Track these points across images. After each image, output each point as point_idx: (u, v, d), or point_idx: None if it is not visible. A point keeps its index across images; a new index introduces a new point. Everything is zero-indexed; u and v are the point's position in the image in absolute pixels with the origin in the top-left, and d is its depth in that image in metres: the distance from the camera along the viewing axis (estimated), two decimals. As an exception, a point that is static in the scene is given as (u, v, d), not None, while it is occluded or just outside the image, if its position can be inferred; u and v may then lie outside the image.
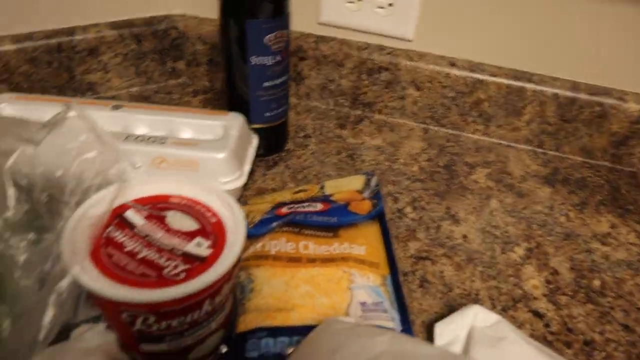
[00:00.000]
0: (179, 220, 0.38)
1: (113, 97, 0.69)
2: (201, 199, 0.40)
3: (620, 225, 0.58)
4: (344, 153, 0.63)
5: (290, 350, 0.37)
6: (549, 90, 0.65)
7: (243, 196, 0.54)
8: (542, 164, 0.67)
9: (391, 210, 0.56)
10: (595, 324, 0.47)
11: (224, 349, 0.39)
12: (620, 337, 0.46)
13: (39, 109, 0.53)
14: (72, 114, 0.39)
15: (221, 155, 0.50)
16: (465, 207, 0.58)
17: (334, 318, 0.38)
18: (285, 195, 0.53)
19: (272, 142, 0.61)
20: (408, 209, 0.56)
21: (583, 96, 0.65)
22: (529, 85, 0.65)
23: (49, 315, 0.34)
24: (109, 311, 0.34)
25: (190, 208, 0.39)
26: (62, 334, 0.37)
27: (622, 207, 0.61)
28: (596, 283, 0.51)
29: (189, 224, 0.38)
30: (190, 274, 0.34)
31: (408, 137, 0.67)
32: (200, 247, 0.36)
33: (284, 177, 0.58)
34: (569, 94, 0.65)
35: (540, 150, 0.69)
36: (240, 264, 0.43)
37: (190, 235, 0.37)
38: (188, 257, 0.35)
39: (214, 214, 0.39)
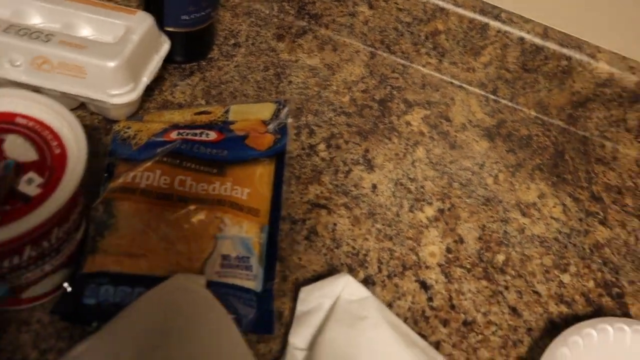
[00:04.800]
0: (17, 148, 0.34)
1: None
2: (52, 123, 0.35)
3: (549, 196, 0.54)
4: (272, 70, 0.56)
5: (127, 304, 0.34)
6: (516, 32, 0.58)
7: (140, 110, 0.49)
8: (489, 113, 0.61)
9: (302, 145, 0.51)
10: (482, 303, 0.44)
11: (68, 288, 0.36)
12: (504, 320, 0.44)
13: None
14: None
15: (111, 64, 0.43)
16: (386, 152, 0.53)
17: (184, 277, 0.35)
18: (185, 116, 0.47)
19: (192, 49, 0.54)
20: (321, 146, 0.51)
21: (552, 45, 0.57)
22: (494, 23, 0.58)
23: None
24: None
25: (35, 133, 0.34)
26: None
27: (559, 176, 0.57)
28: (500, 258, 0.48)
29: (27, 154, 0.33)
30: (6, 218, 0.30)
31: (350, 60, 0.60)
32: (30, 184, 0.32)
33: (196, 91, 0.52)
34: (537, 40, 0.57)
35: (492, 97, 0.63)
36: (102, 197, 0.39)
37: (23, 169, 0.33)
38: (12, 196, 0.31)
39: (60, 144, 0.34)
